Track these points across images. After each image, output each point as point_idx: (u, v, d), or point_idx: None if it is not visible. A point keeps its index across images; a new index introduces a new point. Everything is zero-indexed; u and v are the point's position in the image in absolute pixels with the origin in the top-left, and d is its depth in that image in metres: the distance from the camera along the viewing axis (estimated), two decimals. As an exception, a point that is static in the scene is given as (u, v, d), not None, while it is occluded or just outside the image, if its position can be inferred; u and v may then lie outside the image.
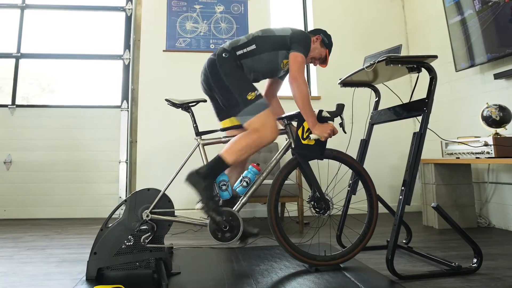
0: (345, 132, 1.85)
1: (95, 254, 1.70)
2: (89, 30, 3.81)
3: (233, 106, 1.80)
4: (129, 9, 3.74)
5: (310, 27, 4.04)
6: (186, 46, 3.65)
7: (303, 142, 1.79)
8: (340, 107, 1.81)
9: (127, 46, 3.69)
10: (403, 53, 3.87)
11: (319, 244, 2.35)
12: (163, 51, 3.64)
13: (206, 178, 1.72)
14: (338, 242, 2.32)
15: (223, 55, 1.84)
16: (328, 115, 1.77)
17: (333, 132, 1.76)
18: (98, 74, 3.77)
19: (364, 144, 2.39)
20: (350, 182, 2.30)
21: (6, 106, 3.51)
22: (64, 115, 3.56)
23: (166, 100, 1.86)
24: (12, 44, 3.66)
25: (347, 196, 2.32)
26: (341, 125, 1.85)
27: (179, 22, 3.69)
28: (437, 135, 2.23)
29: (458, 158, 2.81)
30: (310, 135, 1.76)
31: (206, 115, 3.14)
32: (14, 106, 3.50)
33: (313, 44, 1.99)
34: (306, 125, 1.78)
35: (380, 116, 2.31)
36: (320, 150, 1.81)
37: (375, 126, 3.81)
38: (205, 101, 1.88)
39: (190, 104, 1.85)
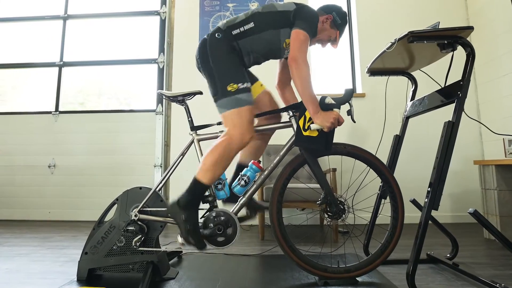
0: (354, 121, 1.57)
1: (86, 254, 1.64)
2: (125, 36, 3.93)
3: (213, 94, 1.61)
4: (163, 13, 3.77)
5: (354, 18, 3.72)
6: (218, 46, 3.58)
7: (304, 133, 1.54)
8: (348, 93, 1.54)
9: (161, 49, 3.72)
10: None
11: (344, 254, 2.06)
12: (196, 52, 3.60)
13: (186, 209, 1.52)
14: (365, 252, 2.02)
15: (216, 35, 1.64)
16: (333, 102, 1.51)
17: (338, 122, 1.49)
18: (134, 78, 3.85)
19: (398, 140, 2.07)
20: (381, 184, 2.01)
21: (49, 112, 3.73)
22: (103, 120, 3.68)
23: (160, 93, 1.76)
24: (56, 54, 3.91)
25: (377, 201, 2.02)
26: (349, 113, 1.58)
27: (211, 22, 3.63)
28: (487, 128, 1.82)
29: (526, 158, 2.32)
30: (311, 125, 1.51)
31: (202, 108, 3.08)
32: (57, 112, 3.72)
33: (322, 25, 1.72)
34: (308, 114, 1.55)
35: (414, 108, 1.98)
36: (324, 142, 1.55)
37: (434, 122, 3.38)
38: (201, 93, 1.74)
39: (184, 97, 1.72)
